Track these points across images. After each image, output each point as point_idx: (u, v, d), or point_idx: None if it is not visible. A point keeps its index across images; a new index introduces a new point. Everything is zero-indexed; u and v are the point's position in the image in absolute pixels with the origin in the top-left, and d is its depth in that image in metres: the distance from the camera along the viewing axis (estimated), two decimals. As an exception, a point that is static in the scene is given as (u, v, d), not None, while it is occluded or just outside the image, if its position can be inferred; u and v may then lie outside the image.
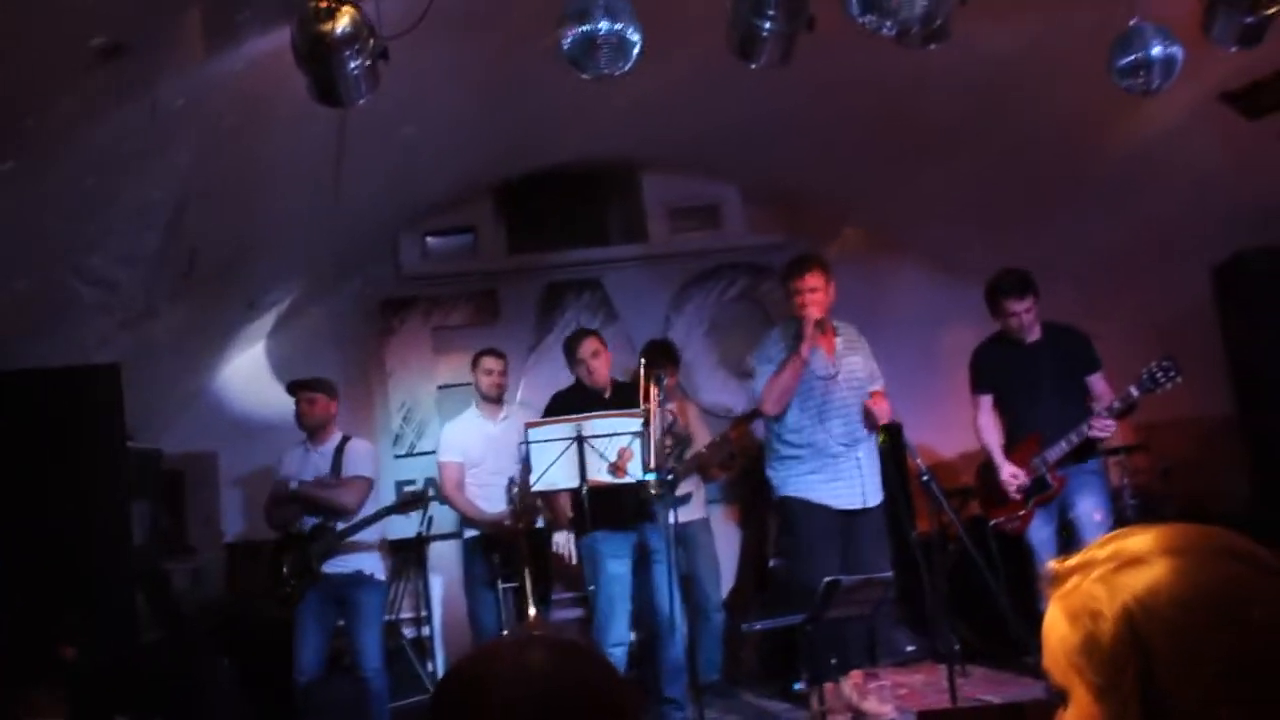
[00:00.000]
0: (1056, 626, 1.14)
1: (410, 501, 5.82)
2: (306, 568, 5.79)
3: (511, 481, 5.96)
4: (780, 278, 5.90)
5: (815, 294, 5.48)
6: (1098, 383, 5.70)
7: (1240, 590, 1.07)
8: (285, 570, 5.83)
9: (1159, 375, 5.32)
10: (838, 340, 5.70)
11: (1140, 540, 1.13)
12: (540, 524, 6.44)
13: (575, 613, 7.11)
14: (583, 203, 8.11)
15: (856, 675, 5.56)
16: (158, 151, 4.80)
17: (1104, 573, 1.11)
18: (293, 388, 6.13)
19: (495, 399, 6.51)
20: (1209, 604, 1.06)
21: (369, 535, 5.89)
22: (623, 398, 5.77)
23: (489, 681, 1.18)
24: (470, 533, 6.41)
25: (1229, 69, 5.45)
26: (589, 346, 5.96)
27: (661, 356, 6.60)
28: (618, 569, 5.73)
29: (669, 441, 5.74)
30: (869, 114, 6.45)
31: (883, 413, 5.53)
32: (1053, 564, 1.18)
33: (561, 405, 5.87)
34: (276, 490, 6.01)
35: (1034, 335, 5.74)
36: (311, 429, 6.04)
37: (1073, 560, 1.16)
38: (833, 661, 5.44)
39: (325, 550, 5.79)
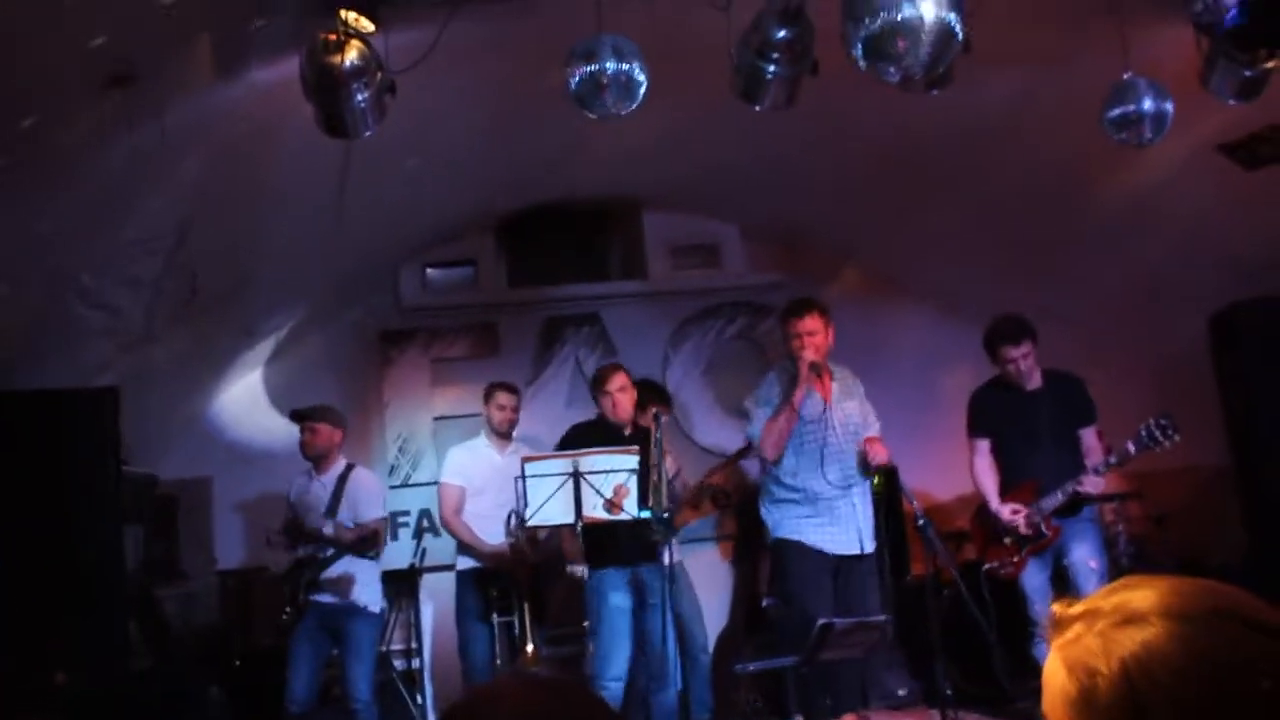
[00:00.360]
0: (1056, 676, 1.12)
1: (362, 541, 5.75)
2: (296, 597, 5.76)
3: (512, 514, 5.92)
4: (779, 319, 5.89)
5: (813, 337, 5.47)
6: (1089, 436, 5.67)
7: (1245, 660, 1.02)
8: (286, 597, 5.80)
9: (1157, 433, 5.23)
10: (834, 384, 5.68)
11: (1144, 596, 1.09)
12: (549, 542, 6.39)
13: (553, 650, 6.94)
14: (584, 238, 8.15)
15: (849, 718, 5.53)
16: (164, 177, 4.84)
17: (1105, 627, 1.08)
18: (295, 417, 6.06)
19: (505, 434, 6.50)
20: (1209, 674, 1.02)
21: (365, 568, 5.85)
22: (641, 438, 5.75)
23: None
24: (465, 564, 6.38)
25: (1226, 120, 5.49)
26: (618, 380, 5.91)
27: (654, 395, 6.59)
28: (621, 602, 5.70)
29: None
30: (870, 155, 6.49)
31: (877, 455, 5.51)
32: (1056, 608, 1.15)
33: (581, 437, 5.85)
34: (291, 525, 5.90)
35: (1034, 383, 5.69)
36: (314, 459, 6.00)
37: (1077, 608, 1.13)
38: (827, 703, 5.41)
39: (311, 581, 5.75)
